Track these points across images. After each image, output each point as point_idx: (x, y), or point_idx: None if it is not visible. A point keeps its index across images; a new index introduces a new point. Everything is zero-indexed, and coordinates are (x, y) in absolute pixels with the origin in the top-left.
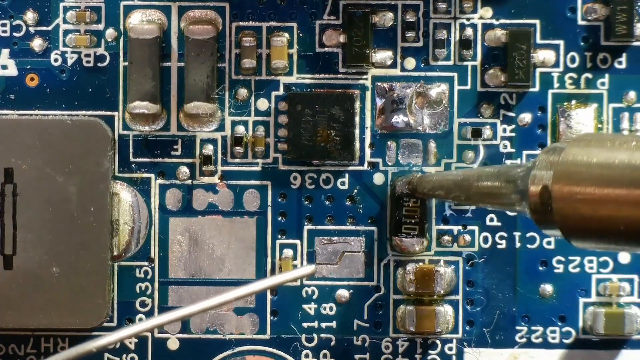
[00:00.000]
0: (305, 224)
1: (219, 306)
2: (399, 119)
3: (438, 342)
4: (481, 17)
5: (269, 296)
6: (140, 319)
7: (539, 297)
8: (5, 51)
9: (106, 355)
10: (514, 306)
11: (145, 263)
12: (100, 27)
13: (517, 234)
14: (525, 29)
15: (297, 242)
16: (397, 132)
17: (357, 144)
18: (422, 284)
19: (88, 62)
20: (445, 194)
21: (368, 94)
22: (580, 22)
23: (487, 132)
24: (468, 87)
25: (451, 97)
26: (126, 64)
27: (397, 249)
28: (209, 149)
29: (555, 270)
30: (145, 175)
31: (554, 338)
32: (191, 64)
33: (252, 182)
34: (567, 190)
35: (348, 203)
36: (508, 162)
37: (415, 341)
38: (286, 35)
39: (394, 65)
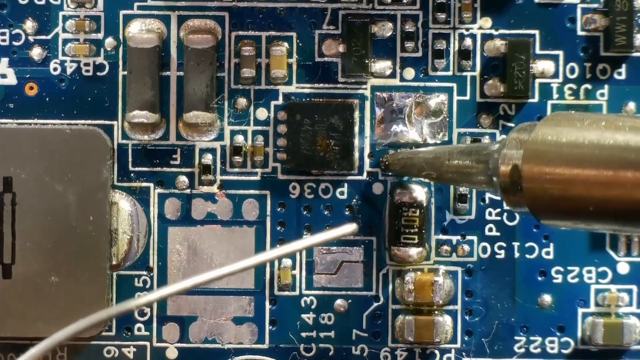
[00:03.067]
0: (304, 233)
1: (265, 262)
2: (398, 129)
3: (437, 352)
4: (480, 28)
5: (267, 306)
6: (139, 329)
7: (537, 307)
8: (5, 60)
9: None
10: (512, 316)
11: (144, 272)
12: (100, 36)
13: (515, 244)
14: (524, 40)
15: (296, 253)
16: (396, 142)
17: (357, 154)
18: (420, 293)
19: (87, 71)
20: (417, 172)
21: (367, 104)
22: (580, 32)
23: (486, 141)
24: (467, 97)
25: (450, 108)
26: (125, 73)
27: (395, 259)
28: (208, 159)
29: (554, 281)
30: (145, 184)
31: (552, 348)
32: (190, 73)
33: (251, 191)
34: (537, 170)
35: (347, 213)
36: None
37: (414, 351)
38: (286, 44)
39: (393, 75)
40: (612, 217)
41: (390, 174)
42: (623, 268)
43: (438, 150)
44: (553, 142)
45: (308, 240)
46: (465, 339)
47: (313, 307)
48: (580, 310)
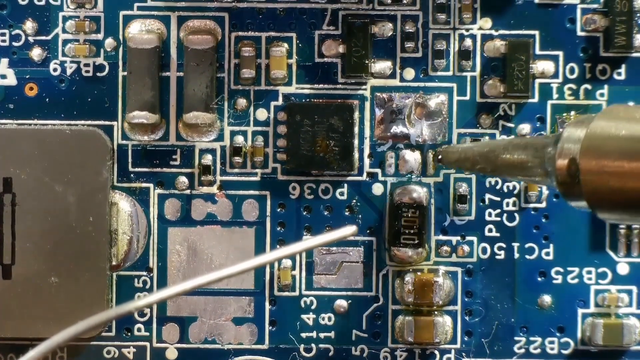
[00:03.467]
0: (304, 234)
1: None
2: (398, 130)
3: (436, 352)
4: (480, 28)
5: (267, 306)
6: (139, 329)
7: (537, 307)
8: (5, 60)
9: None
10: (512, 317)
11: (144, 273)
12: (100, 36)
13: (515, 245)
14: (524, 40)
15: (296, 254)
16: (396, 142)
17: (356, 154)
18: (420, 294)
19: (87, 71)
20: (471, 166)
21: (367, 105)
22: (580, 33)
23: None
24: (467, 97)
25: (450, 108)
26: (125, 73)
27: (395, 259)
28: (207, 159)
29: (554, 281)
30: (144, 185)
31: (552, 349)
32: (190, 73)
33: (251, 192)
34: (595, 163)
35: (347, 213)
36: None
37: (413, 351)
38: (285, 45)
39: (393, 76)
40: None
41: (444, 167)
42: (623, 269)
43: (493, 144)
44: (611, 135)
45: (309, 242)
46: (465, 339)
47: (313, 307)
48: (580, 311)
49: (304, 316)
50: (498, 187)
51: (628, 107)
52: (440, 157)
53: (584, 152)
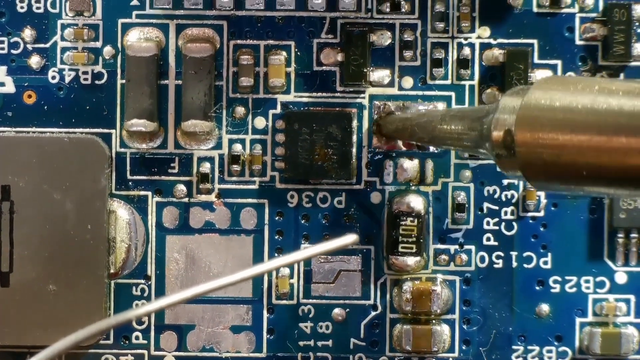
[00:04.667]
0: (302, 242)
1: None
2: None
3: None
4: (479, 37)
5: (265, 314)
6: (137, 337)
7: (535, 316)
8: (3, 68)
9: None
10: (510, 326)
11: (142, 281)
12: (98, 44)
13: (513, 254)
14: (522, 49)
15: (296, 264)
16: (394, 151)
17: (354, 163)
18: (418, 303)
19: (86, 79)
20: (409, 136)
21: (365, 113)
22: (578, 42)
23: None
24: (466, 106)
25: None
26: (124, 81)
27: (393, 268)
28: (206, 167)
29: (552, 290)
30: (142, 193)
31: (550, 358)
32: (189, 81)
33: (249, 200)
34: (530, 135)
35: (345, 222)
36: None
37: None
38: (284, 53)
39: (391, 84)
40: (605, 182)
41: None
42: (621, 278)
43: (431, 113)
44: (546, 107)
45: (309, 250)
46: (463, 348)
47: (311, 315)
48: (578, 320)
49: (302, 324)
50: (496, 196)
51: (565, 79)
52: (379, 124)
53: (519, 123)
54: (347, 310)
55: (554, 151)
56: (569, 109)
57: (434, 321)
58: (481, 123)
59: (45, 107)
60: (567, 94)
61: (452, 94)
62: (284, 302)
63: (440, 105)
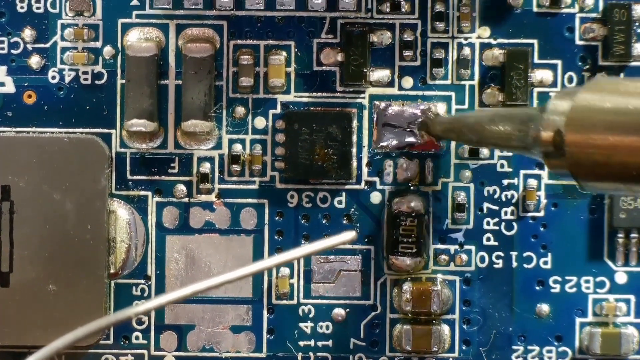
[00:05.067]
0: (302, 242)
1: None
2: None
3: None
4: (479, 37)
5: (265, 314)
6: (137, 337)
7: (535, 316)
8: (3, 68)
9: None
10: (510, 326)
11: (142, 281)
12: (98, 44)
13: (513, 254)
14: (523, 49)
15: (294, 261)
16: (394, 151)
17: (354, 163)
18: (418, 303)
19: (86, 79)
20: (457, 137)
21: (365, 113)
22: (578, 42)
23: (484, 151)
24: (466, 106)
25: None
26: (124, 81)
27: (393, 268)
28: (206, 167)
29: (552, 290)
30: (142, 193)
31: (550, 358)
32: (189, 81)
33: (249, 200)
34: (580, 136)
35: (345, 222)
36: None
37: None
38: (284, 53)
39: (391, 84)
40: None
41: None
42: (621, 278)
43: (479, 115)
44: (597, 108)
45: (307, 247)
46: (463, 348)
47: (311, 315)
48: (578, 320)
49: (302, 324)
50: (496, 196)
51: (613, 80)
52: (428, 126)
53: (569, 124)
54: (347, 310)
55: (605, 151)
56: (620, 110)
57: (434, 321)
58: (530, 124)
59: (45, 107)
60: (617, 96)
61: (452, 94)
62: (284, 302)
63: (440, 106)
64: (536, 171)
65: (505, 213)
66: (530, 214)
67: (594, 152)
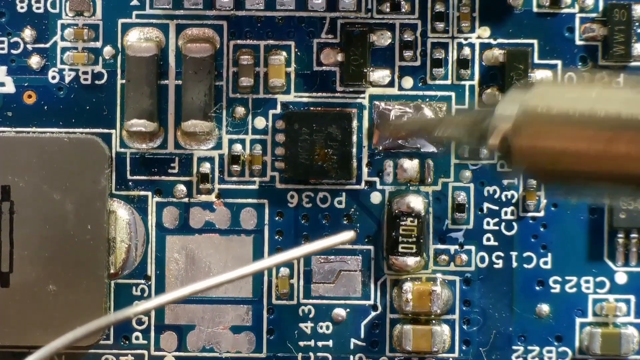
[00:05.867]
0: (302, 242)
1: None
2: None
3: None
4: (479, 37)
5: (265, 315)
6: (137, 337)
7: (535, 316)
8: (3, 68)
9: None
10: (510, 326)
11: (142, 281)
12: (98, 44)
13: (513, 254)
14: (523, 49)
15: (294, 260)
16: (394, 151)
17: (355, 163)
18: (418, 303)
19: (86, 79)
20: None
21: (365, 113)
22: (578, 42)
23: (484, 151)
24: (466, 106)
25: None
26: (124, 81)
27: (393, 268)
28: (206, 167)
29: (552, 290)
30: (142, 193)
31: (550, 358)
32: (189, 82)
33: (249, 200)
34: (526, 143)
35: (345, 222)
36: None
37: None
38: (284, 53)
39: (391, 84)
40: (604, 188)
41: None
42: (621, 278)
43: (429, 122)
44: (542, 115)
45: (306, 247)
46: (463, 348)
47: (311, 316)
48: (578, 320)
49: (302, 325)
50: (496, 196)
51: (560, 86)
52: (391, 129)
53: (515, 132)
54: (347, 310)
55: (550, 159)
56: (566, 117)
57: (434, 321)
58: (479, 129)
59: (45, 107)
60: (564, 101)
61: (452, 94)
62: (284, 302)
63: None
64: None
65: (505, 213)
66: (530, 214)
67: (540, 159)
